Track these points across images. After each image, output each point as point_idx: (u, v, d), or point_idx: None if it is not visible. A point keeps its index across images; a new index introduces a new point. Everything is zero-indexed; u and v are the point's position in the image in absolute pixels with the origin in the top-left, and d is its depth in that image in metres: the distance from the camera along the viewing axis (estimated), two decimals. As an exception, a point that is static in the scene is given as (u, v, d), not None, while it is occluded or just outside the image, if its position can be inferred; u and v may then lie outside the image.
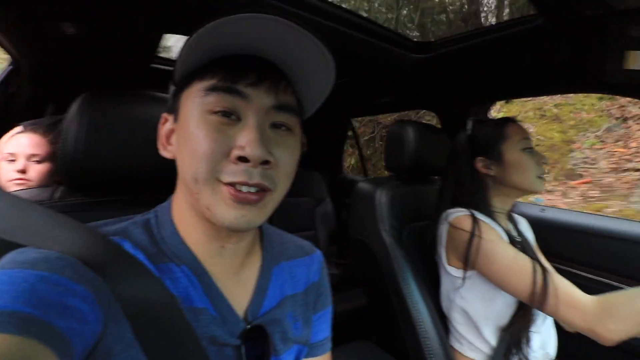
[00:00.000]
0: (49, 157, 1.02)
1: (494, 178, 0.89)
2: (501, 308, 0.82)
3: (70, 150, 0.52)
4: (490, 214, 0.86)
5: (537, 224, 1.18)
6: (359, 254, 1.07)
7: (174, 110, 0.41)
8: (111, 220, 0.43)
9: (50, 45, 1.04)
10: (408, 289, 0.91)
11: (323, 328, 0.56)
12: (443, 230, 0.88)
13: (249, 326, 0.42)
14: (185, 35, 0.94)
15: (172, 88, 0.42)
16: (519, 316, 0.79)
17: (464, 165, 0.91)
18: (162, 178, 0.58)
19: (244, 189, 0.36)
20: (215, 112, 0.37)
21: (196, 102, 0.37)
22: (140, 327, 0.35)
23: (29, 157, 0.98)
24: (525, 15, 0.90)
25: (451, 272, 0.86)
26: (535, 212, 1.32)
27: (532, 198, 2.51)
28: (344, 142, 2.42)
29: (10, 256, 0.32)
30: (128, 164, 0.56)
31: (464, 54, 1.04)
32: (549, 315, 0.72)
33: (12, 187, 0.97)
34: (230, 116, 0.37)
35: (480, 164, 0.90)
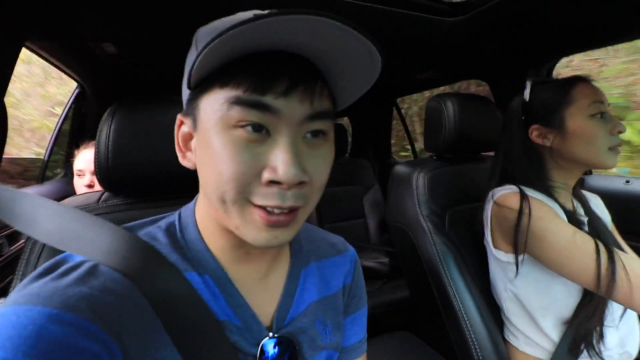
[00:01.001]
0: None
1: (551, 150, 0.76)
2: (562, 297, 0.70)
3: (103, 156, 0.56)
4: (546, 190, 0.74)
5: (620, 199, 0.99)
6: (398, 241, 1.01)
7: (191, 114, 0.36)
8: (137, 223, 0.43)
9: (101, 65, 1.16)
10: (451, 280, 0.83)
11: (357, 331, 0.53)
12: (488, 210, 0.78)
13: (271, 334, 0.40)
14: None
15: (186, 90, 0.37)
16: (586, 307, 0.67)
17: (516, 136, 0.79)
18: (191, 177, 0.63)
19: (276, 211, 0.33)
20: (242, 127, 0.32)
21: (218, 115, 0.32)
22: (173, 328, 0.34)
23: (94, 172, 1.10)
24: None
25: (499, 256, 0.76)
26: (617, 184, 1.11)
27: (615, 169, 2.11)
28: (389, 125, 2.31)
29: (28, 284, 0.31)
30: (156, 166, 0.59)
31: (506, 9, 0.89)
32: (621, 304, 0.59)
33: None
34: (260, 131, 0.32)
35: (535, 132, 0.77)
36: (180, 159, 0.40)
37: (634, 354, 0.72)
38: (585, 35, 1.01)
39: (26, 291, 0.30)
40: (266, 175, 0.31)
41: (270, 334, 0.40)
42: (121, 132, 0.57)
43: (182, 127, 0.39)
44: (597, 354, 0.68)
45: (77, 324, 0.28)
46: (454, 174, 1.02)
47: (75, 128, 1.56)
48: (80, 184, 1.09)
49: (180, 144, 0.39)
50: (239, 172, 0.31)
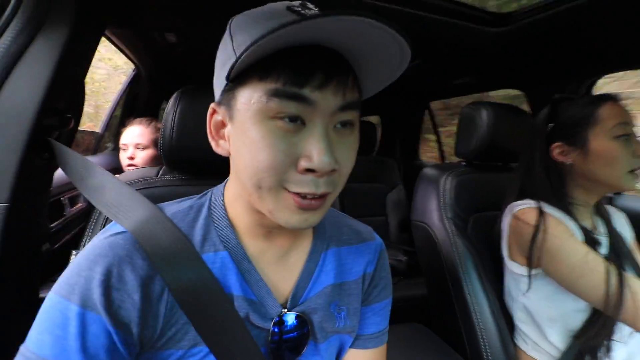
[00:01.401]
0: (152, 144, 1.23)
1: (572, 168, 0.76)
2: (571, 312, 0.73)
3: (168, 135, 0.65)
4: (566, 207, 0.76)
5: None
6: (420, 239, 1.06)
7: (226, 104, 0.38)
8: (174, 203, 0.46)
9: (160, 52, 1.26)
10: (468, 280, 0.87)
11: (378, 321, 0.53)
12: (506, 222, 0.81)
13: (285, 311, 0.43)
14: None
15: (220, 80, 0.39)
16: (595, 323, 0.70)
17: (538, 152, 0.80)
18: None
19: (309, 196, 0.35)
20: (280, 118, 0.34)
21: (256, 107, 0.34)
22: (191, 310, 0.37)
23: (136, 146, 1.22)
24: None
25: (513, 268, 0.80)
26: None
27: None
28: (420, 127, 2.32)
29: (67, 274, 0.36)
30: (210, 149, 0.67)
31: (549, 23, 0.90)
32: (626, 325, 0.62)
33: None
34: (296, 121, 0.34)
35: (556, 150, 0.78)
36: (213, 147, 0.42)
37: (641, 370, 0.74)
38: (626, 55, 1.00)
39: (64, 278, 0.36)
40: (302, 164, 0.34)
41: (284, 310, 0.42)
42: (184, 116, 0.65)
43: (215, 115, 0.41)
44: None
45: (98, 321, 0.34)
46: (482, 181, 1.05)
47: (127, 107, 1.70)
48: (124, 156, 1.22)
49: (212, 132, 0.41)
50: (276, 161, 0.33)
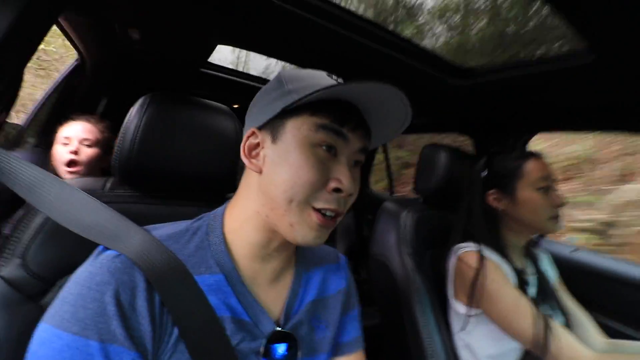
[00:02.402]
0: (98, 144, 1.14)
1: (504, 212, 0.88)
2: (507, 350, 0.79)
3: (128, 145, 0.56)
4: (501, 249, 0.85)
5: (566, 265, 1.12)
6: (377, 273, 1.07)
7: (272, 130, 0.46)
8: (167, 225, 0.48)
9: (114, 47, 1.14)
10: (423, 316, 0.89)
11: (356, 326, 0.61)
12: (451, 264, 0.87)
13: (279, 329, 0.47)
14: (238, 47, 1.01)
15: (272, 110, 0.46)
16: (528, 358, 0.76)
17: (477, 197, 0.91)
18: (204, 179, 0.64)
19: (328, 214, 0.43)
20: (320, 146, 0.44)
21: (305, 135, 0.44)
22: (186, 333, 0.39)
23: (82, 141, 1.11)
24: (574, 49, 0.87)
25: (457, 307, 0.85)
26: (565, 251, 1.26)
27: (566, 237, 2.37)
28: (372, 157, 2.42)
29: (57, 305, 0.36)
30: (178, 166, 0.61)
31: (507, 83, 1.02)
32: None
33: (65, 169, 1.08)
34: (331, 151, 0.44)
35: (492, 197, 0.89)
36: (247, 164, 0.48)
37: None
38: (561, 118, 1.17)
39: (55, 308, 0.37)
40: (332, 185, 0.44)
41: (278, 328, 0.47)
42: (152, 126, 0.58)
43: (251, 138, 0.48)
44: None
45: (93, 349, 0.35)
46: (436, 218, 1.10)
47: (62, 100, 1.48)
48: (63, 150, 1.09)
49: (246, 152, 0.48)
50: (314, 179, 0.42)
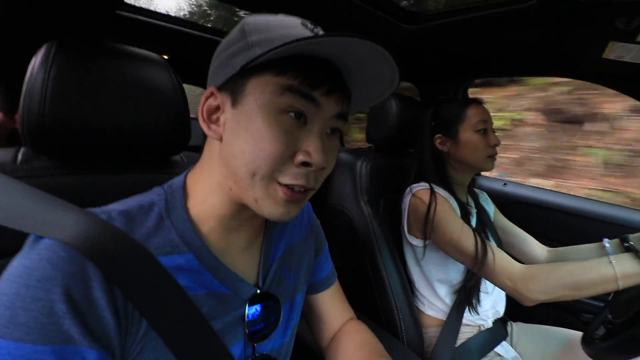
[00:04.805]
0: None
1: (448, 154, 0.97)
2: (453, 273, 0.93)
3: (35, 106, 0.45)
4: (448, 187, 0.95)
5: (499, 197, 1.28)
6: (336, 221, 1.11)
7: (232, 92, 0.39)
8: (115, 205, 0.41)
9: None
10: (384, 258, 0.97)
11: (327, 262, 0.63)
12: (407, 202, 0.95)
13: (259, 291, 0.46)
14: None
15: (231, 68, 0.39)
16: (469, 279, 0.90)
17: (426, 142, 0.99)
18: (140, 142, 0.55)
19: (296, 189, 0.38)
20: (287, 112, 0.37)
21: (269, 99, 0.37)
22: (155, 321, 0.35)
23: None
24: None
25: (412, 241, 0.96)
26: (497, 185, 1.43)
27: (496, 173, 2.68)
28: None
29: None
30: (101, 124, 0.50)
31: (454, 28, 1.03)
32: (486, 279, 0.82)
33: None
34: (300, 118, 0.38)
35: (438, 140, 0.98)
36: (205, 130, 0.41)
37: (502, 313, 1.00)
38: (496, 64, 1.25)
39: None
40: (300, 157, 0.37)
41: (258, 291, 0.46)
42: (64, 81, 0.46)
43: (210, 99, 0.41)
44: (475, 312, 0.92)
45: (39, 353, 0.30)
46: (389, 166, 1.16)
47: None
48: None
49: (204, 115, 0.41)
50: (278, 151, 0.36)
